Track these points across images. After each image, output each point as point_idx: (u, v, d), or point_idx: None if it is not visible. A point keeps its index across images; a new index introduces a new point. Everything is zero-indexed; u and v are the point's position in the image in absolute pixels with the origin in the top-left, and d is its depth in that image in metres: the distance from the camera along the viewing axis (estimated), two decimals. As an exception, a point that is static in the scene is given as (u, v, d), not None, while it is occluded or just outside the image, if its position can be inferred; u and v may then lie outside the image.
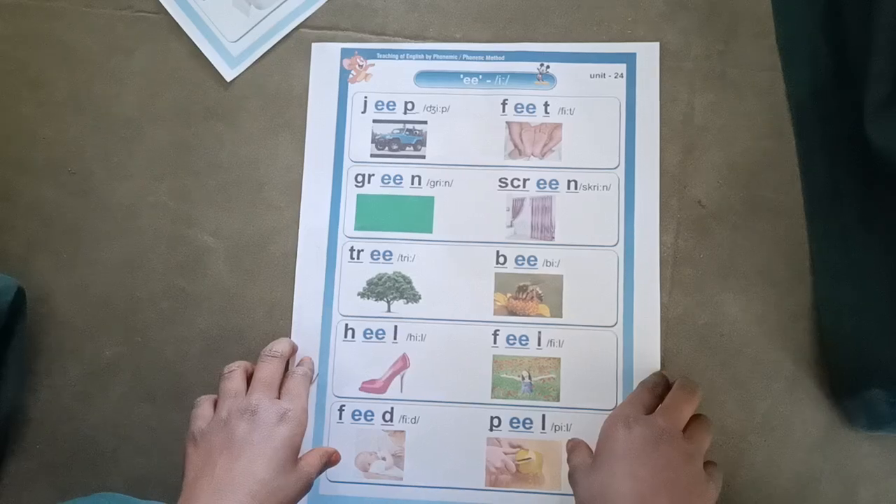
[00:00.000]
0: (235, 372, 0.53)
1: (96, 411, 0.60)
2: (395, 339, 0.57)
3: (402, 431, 0.56)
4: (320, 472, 0.51)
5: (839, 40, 0.57)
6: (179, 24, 0.63)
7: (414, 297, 0.58)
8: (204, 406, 0.52)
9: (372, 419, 0.56)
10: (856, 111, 0.55)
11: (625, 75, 0.59)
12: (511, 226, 0.58)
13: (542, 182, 0.58)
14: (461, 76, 0.60)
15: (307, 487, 0.49)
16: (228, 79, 0.62)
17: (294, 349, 0.56)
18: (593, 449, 0.50)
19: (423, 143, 0.59)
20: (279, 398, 0.52)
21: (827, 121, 0.57)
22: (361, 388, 0.57)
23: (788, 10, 0.59)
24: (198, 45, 0.63)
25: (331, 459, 0.53)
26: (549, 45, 0.60)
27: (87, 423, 0.60)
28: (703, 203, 0.58)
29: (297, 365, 0.55)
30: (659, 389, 0.51)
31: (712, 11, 0.60)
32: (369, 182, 0.59)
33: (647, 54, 0.59)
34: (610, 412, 0.51)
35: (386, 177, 0.59)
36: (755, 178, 0.58)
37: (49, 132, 0.63)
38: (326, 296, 0.58)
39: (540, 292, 0.57)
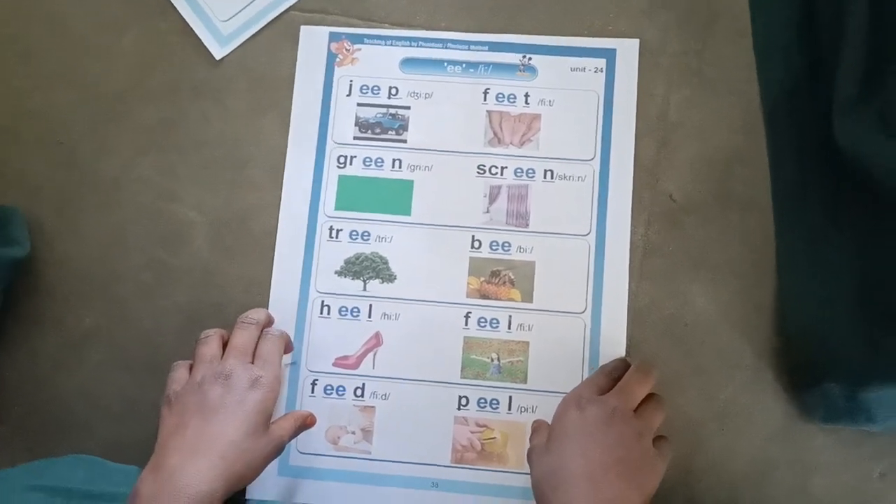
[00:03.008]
0: (211, 337, 0.57)
1: (73, 379, 0.64)
2: (369, 317, 0.62)
3: (373, 407, 0.61)
4: (294, 435, 0.56)
5: (812, 41, 0.62)
6: (171, 0, 0.68)
7: (390, 278, 0.62)
8: (180, 370, 0.56)
9: (343, 394, 0.61)
10: (825, 111, 0.60)
11: (604, 70, 0.64)
12: (487, 212, 0.62)
13: (519, 170, 0.63)
14: (445, 64, 0.65)
15: (278, 451, 0.54)
16: (218, 57, 0.67)
17: (270, 320, 0.61)
18: (555, 429, 0.55)
19: (405, 127, 0.64)
20: (252, 364, 0.56)
21: (797, 120, 0.62)
22: (334, 364, 0.61)
23: (765, 10, 0.64)
24: (189, 22, 0.67)
25: (305, 423, 0.57)
26: (531, 37, 0.65)
27: (63, 390, 0.64)
28: (675, 197, 0.62)
29: (273, 332, 0.59)
30: (616, 374, 0.56)
31: (692, 10, 0.65)
32: (351, 164, 0.64)
33: (627, 50, 0.64)
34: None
35: (367, 159, 0.64)
36: (726, 174, 0.63)
37: (38, 104, 0.68)
38: (304, 273, 0.63)
39: (512, 277, 0.61)
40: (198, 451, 0.50)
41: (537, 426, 0.57)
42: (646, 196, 0.62)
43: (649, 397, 0.54)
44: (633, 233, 0.62)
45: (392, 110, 0.64)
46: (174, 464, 0.49)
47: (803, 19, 0.61)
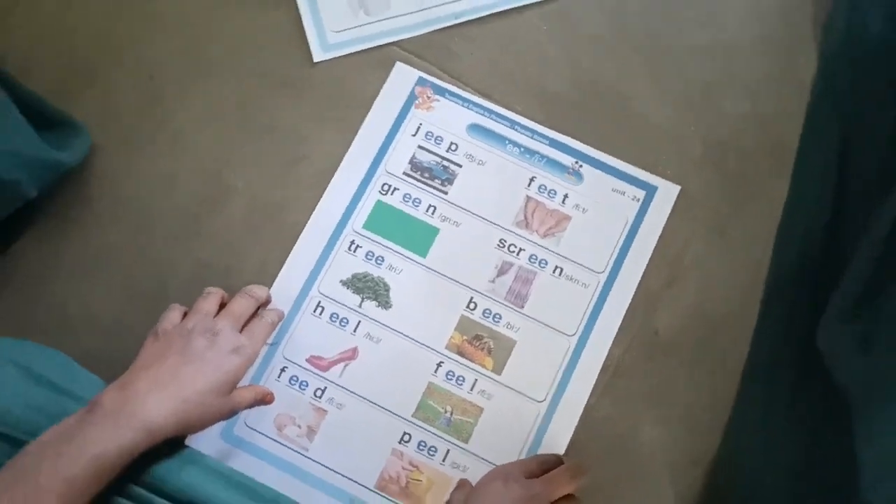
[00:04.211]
0: (213, 295, 0.63)
1: (78, 285, 0.70)
2: (354, 331, 0.67)
3: (326, 411, 0.66)
4: (249, 406, 0.61)
5: (829, 246, 0.68)
6: (296, -3, 0.76)
7: (386, 304, 0.68)
8: (174, 312, 0.62)
9: (305, 389, 0.66)
10: (816, 308, 0.65)
11: (641, 201, 0.70)
12: (493, 282, 0.68)
13: (533, 257, 0.69)
14: (506, 142, 0.71)
15: (231, 414, 0.59)
16: (315, 60, 0.74)
17: (268, 300, 0.66)
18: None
19: (451, 181, 0.71)
20: (241, 332, 0.62)
21: (790, 307, 0.67)
22: (308, 360, 0.67)
23: (798, 203, 0.70)
24: (303, 19, 0.75)
25: (264, 399, 0.62)
26: (590, 148, 0.71)
27: (67, 291, 0.70)
28: (660, 333, 0.68)
29: (268, 310, 0.66)
30: (548, 466, 0.61)
31: (738, 178, 0.71)
32: (392, 194, 0.70)
33: (668, 192, 0.70)
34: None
35: (408, 196, 0.70)
36: (714, 331, 0.68)
37: (147, 41, 0.75)
38: (314, 271, 0.69)
39: (491, 347, 0.67)
40: (165, 386, 0.55)
41: (462, 484, 0.61)
42: (635, 322, 0.68)
43: (569, 497, 0.59)
44: (611, 350, 0.67)
45: (446, 163, 0.71)
46: (140, 389, 0.54)
47: (828, 224, 0.68)
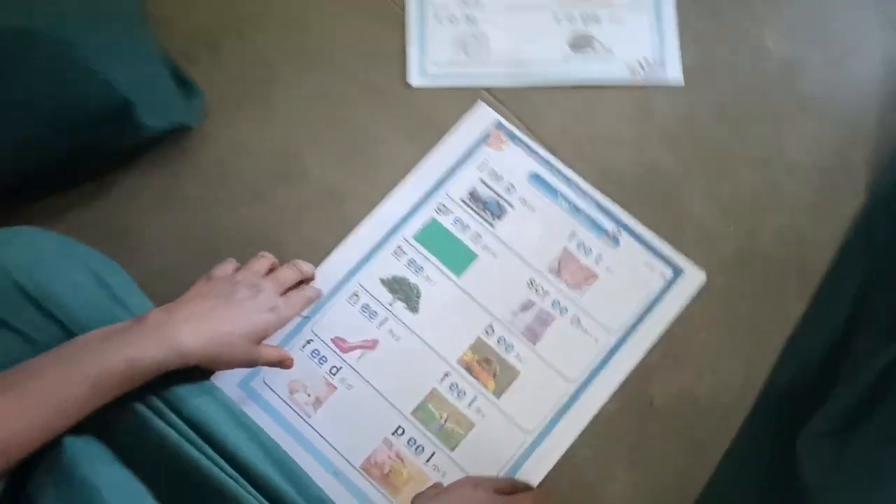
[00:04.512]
0: (265, 258, 0.71)
1: (153, 216, 0.78)
2: (380, 325, 0.74)
3: (336, 387, 0.72)
4: (268, 364, 0.67)
5: (827, 370, 0.72)
6: (408, 20, 0.84)
7: (414, 309, 0.74)
8: (228, 264, 0.70)
9: (322, 364, 0.73)
10: (800, 425, 0.69)
11: (666, 279, 0.75)
12: (514, 314, 0.74)
13: (556, 303, 0.74)
14: (558, 195, 0.78)
15: (252, 364, 0.65)
16: (411, 83, 0.82)
17: (312, 277, 0.74)
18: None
19: (500, 217, 0.77)
20: (281, 297, 0.69)
21: (780, 409, 0.71)
22: (332, 339, 0.73)
23: (811, 323, 0.75)
24: (409, 44, 0.84)
25: (284, 363, 0.69)
26: (632, 219, 0.78)
27: (141, 219, 0.78)
28: (655, 403, 0.72)
29: (309, 286, 0.73)
30: (516, 490, 0.66)
31: (763, 286, 0.76)
32: (446, 215, 0.77)
33: (693, 277, 0.76)
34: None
35: (458, 220, 0.77)
36: (702, 415, 0.72)
37: (268, 29, 0.85)
38: (359, 263, 0.76)
39: (497, 371, 0.72)
40: (203, 320, 0.62)
41: (435, 484, 0.66)
42: (633, 385, 0.73)
43: None
44: (605, 404, 0.72)
45: (501, 200, 0.78)
46: (181, 316, 0.61)
47: (831, 349, 0.72)
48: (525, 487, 0.67)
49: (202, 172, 0.80)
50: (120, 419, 0.57)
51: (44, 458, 0.55)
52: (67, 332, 0.59)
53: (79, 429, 0.56)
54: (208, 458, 0.58)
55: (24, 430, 0.53)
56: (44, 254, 0.61)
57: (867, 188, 0.79)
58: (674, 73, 0.82)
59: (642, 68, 0.82)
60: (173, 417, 0.59)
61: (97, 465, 0.55)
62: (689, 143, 0.81)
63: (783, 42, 0.84)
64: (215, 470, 0.58)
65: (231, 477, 0.58)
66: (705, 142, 0.81)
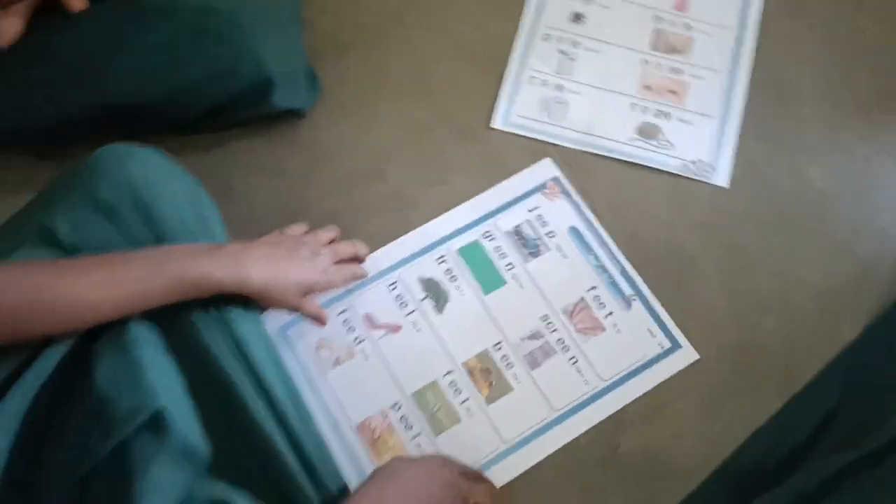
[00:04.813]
0: (331, 231, 0.85)
1: (246, 180, 0.93)
2: (406, 315, 0.86)
3: (355, 355, 0.84)
4: (308, 315, 0.80)
5: (786, 466, 0.80)
6: (506, 74, 0.98)
7: (439, 309, 0.86)
8: (300, 226, 0.84)
9: (350, 332, 0.85)
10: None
11: (663, 349, 0.85)
12: (522, 340, 0.85)
13: (561, 341, 0.85)
14: (590, 252, 0.89)
15: (293, 309, 0.78)
16: (494, 126, 0.95)
17: (364, 258, 0.87)
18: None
19: (535, 256, 0.89)
20: (334, 265, 0.82)
21: (736, 481, 0.79)
22: (364, 315, 0.86)
23: (780, 422, 0.82)
24: (501, 93, 0.97)
25: (320, 317, 0.82)
26: (648, 290, 0.87)
27: (236, 180, 0.92)
28: (620, 450, 0.81)
29: (359, 266, 0.85)
30: (478, 481, 0.75)
31: (748, 376, 0.84)
32: (490, 241, 0.89)
33: (686, 355, 0.85)
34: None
35: (499, 248, 0.89)
36: (658, 475, 0.80)
37: (387, 46, 1.00)
38: (405, 259, 0.88)
39: (493, 382, 0.83)
40: (268, 262, 0.75)
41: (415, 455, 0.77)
42: (606, 430, 0.82)
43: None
44: (577, 437, 0.81)
45: (539, 242, 0.89)
46: (252, 254, 0.74)
47: (791, 450, 0.80)
48: (487, 481, 0.76)
49: (301, 154, 0.95)
50: (179, 319, 0.70)
51: (109, 331, 0.67)
52: (159, 241, 0.72)
53: (144, 317, 0.69)
54: (240, 373, 0.70)
55: (104, 303, 0.66)
56: (160, 174, 0.75)
57: (864, 325, 0.87)
58: (721, 177, 0.93)
59: (694, 165, 0.92)
60: (223, 331, 0.71)
61: (149, 350, 0.68)
62: (716, 237, 0.91)
63: (826, 177, 0.94)
64: (244, 385, 0.69)
65: (254, 396, 0.69)
66: (731, 240, 0.91)
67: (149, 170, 0.73)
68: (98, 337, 0.67)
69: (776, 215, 0.92)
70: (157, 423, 0.63)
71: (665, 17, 1.01)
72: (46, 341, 0.66)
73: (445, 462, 0.74)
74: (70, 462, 0.64)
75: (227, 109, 0.90)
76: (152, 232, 0.72)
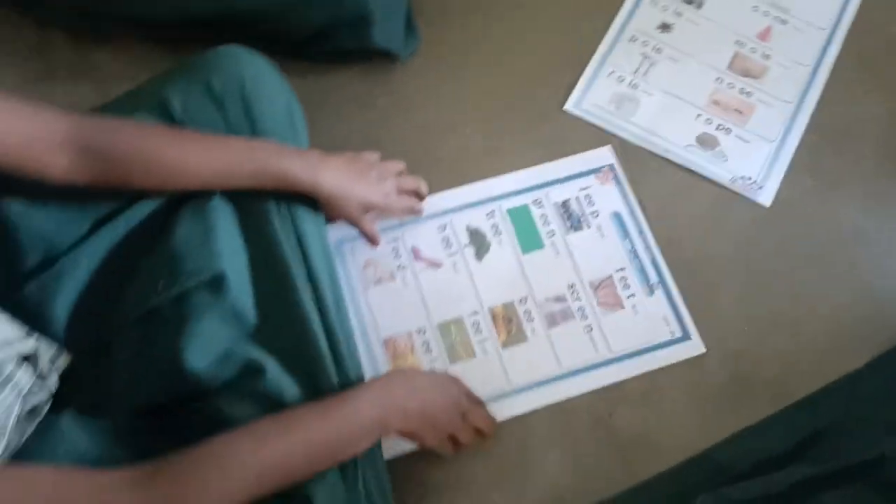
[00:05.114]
0: (401, 164, 0.94)
1: (335, 117, 1.03)
2: (450, 255, 0.95)
3: (396, 279, 0.94)
4: (364, 230, 0.89)
5: (764, 468, 0.85)
6: (589, 66, 1.06)
7: (479, 258, 0.95)
8: (375, 154, 0.93)
9: (396, 258, 0.94)
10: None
11: (673, 336, 0.92)
12: (547, 300, 0.93)
13: (581, 309, 0.92)
14: (627, 237, 0.96)
15: (352, 221, 0.87)
16: (566, 108, 1.03)
17: (424, 197, 0.96)
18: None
19: (576, 230, 0.97)
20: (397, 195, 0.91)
21: (702, 472, 0.85)
22: (412, 247, 0.95)
23: (748, 435, 0.88)
24: (581, 79, 1.05)
25: (374, 238, 0.91)
26: (672, 282, 0.94)
27: (328, 119, 1.02)
28: (611, 418, 0.88)
29: (418, 202, 0.94)
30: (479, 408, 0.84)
31: (743, 383, 0.90)
32: (538, 208, 0.98)
33: (693, 346, 0.91)
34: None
35: (545, 216, 0.97)
36: (645, 444, 0.87)
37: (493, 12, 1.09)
38: (458, 207, 0.97)
39: (512, 331, 0.91)
40: (342, 174, 0.83)
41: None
42: (602, 397, 0.89)
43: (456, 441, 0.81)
44: (574, 397, 0.89)
45: (582, 218, 0.97)
46: (331, 164, 0.82)
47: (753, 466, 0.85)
48: (486, 409, 0.84)
49: (390, 96, 1.05)
50: (255, 205, 0.79)
51: (195, 199, 0.78)
52: (254, 135, 0.82)
53: (226, 196, 0.78)
54: (296, 262, 0.79)
55: (202, 173, 0.76)
56: (266, 79, 0.84)
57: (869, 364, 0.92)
58: (765, 197, 0.99)
59: (742, 180, 0.98)
60: (288, 224, 0.80)
61: (224, 222, 0.77)
62: (747, 251, 0.97)
63: (863, 221, 0.99)
64: (297, 272, 0.78)
65: (304, 284, 0.78)
66: (760, 257, 0.97)
67: (257, 72, 0.84)
68: (184, 202, 0.78)
69: (807, 244, 0.98)
70: (216, 284, 0.73)
71: (747, 43, 1.08)
72: (140, 195, 0.76)
73: (454, 380, 0.82)
74: (137, 300, 0.74)
75: (329, 37, 1.00)
76: (250, 126, 0.82)
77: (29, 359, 0.67)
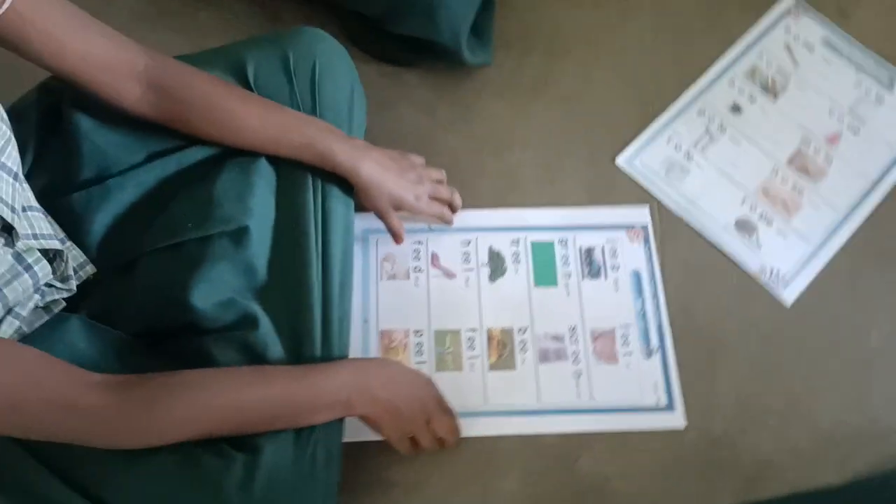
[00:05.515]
0: (441, 172, 0.98)
1: (396, 105, 1.08)
2: (465, 269, 0.99)
3: (409, 279, 0.98)
4: (388, 225, 0.93)
5: None
6: (650, 126, 1.08)
7: (493, 279, 0.98)
8: (420, 158, 0.97)
9: (415, 260, 0.99)
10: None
11: (658, 405, 0.93)
12: (546, 335, 0.95)
13: (576, 353, 0.94)
14: (640, 297, 0.98)
15: (380, 214, 0.91)
16: (617, 161, 1.06)
17: (457, 209, 0.99)
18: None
19: (593, 277, 0.99)
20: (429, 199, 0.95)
21: None
22: (432, 253, 1.00)
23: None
24: (640, 137, 1.07)
25: (398, 235, 0.94)
26: (673, 351, 0.95)
27: (385, 94, 1.08)
28: (578, 463, 0.89)
29: (449, 211, 0.98)
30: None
31: (713, 469, 0.90)
32: (562, 247, 1.00)
33: (674, 419, 0.92)
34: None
35: (565, 257, 1.00)
36: (604, 497, 0.88)
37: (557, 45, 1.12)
38: (487, 227, 1.01)
39: (503, 356, 0.94)
40: (381, 167, 0.87)
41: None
42: (574, 442, 0.91)
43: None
44: (547, 434, 0.91)
45: (603, 267, 1.00)
46: (374, 155, 0.87)
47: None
48: (454, 420, 0.87)
49: (452, 108, 1.10)
50: (294, 175, 0.85)
51: (243, 156, 0.84)
52: (313, 112, 0.88)
53: (271, 160, 0.85)
54: (315, 235, 0.84)
55: (258, 133, 0.82)
56: (338, 64, 0.91)
57: (848, 481, 0.90)
58: (789, 295, 0.99)
59: (771, 273, 0.99)
60: (318, 199, 0.86)
61: (262, 182, 0.83)
62: (756, 342, 0.98)
63: (884, 343, 0.98)
64: (313, 244, 0.83)
65: (316, 257, 0.83)
66: (768, 351, 0.97)
67: (332, 56, 0.90)
68: (233, 157, 0.84)
69: (820, 351, 0.97)
70: (239, 236, 0.79)
71: (813, 142, 1.08)
72: (196, 141, 0.83)
73: (430, 384, 0.85)
74: (166, 232, 0.81)
75: (399, 17, 1.04)
76: (312, 103, 0.88)
77: (54, 257, 0.74)
